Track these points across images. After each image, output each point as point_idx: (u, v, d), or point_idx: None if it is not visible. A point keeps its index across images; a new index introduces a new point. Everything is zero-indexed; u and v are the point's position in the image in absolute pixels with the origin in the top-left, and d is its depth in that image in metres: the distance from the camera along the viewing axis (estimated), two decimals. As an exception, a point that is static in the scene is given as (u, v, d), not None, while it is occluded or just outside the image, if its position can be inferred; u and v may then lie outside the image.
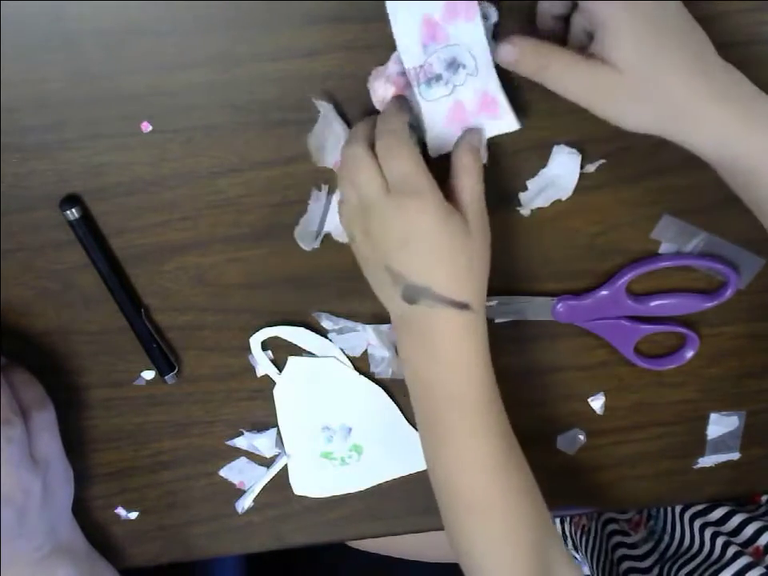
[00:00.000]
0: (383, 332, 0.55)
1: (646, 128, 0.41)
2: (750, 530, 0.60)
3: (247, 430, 0.59)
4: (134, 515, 0.61)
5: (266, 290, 0.54)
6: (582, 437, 0.61)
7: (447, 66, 0.44)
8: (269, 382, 0.57)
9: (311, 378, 0.57)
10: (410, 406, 0.58)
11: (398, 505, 0.63)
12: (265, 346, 0.56)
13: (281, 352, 0.56)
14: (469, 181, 0.45)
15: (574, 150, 0.50)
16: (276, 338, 0.56)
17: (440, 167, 0.46)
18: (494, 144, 0.49)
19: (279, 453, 0.60)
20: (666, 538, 0.69)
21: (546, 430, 0.60)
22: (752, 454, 0.62)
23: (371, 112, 0.47)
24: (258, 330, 0.55)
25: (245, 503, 0.61)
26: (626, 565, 0.68)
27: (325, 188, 0.50)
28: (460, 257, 0.44)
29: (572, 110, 0.47)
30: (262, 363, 0.56)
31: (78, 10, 0.45)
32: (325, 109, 0.47)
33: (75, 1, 0.45)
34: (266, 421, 0.59)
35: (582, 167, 0.51)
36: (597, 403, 0.60)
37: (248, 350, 0.56)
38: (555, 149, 0.50)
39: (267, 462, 0.60)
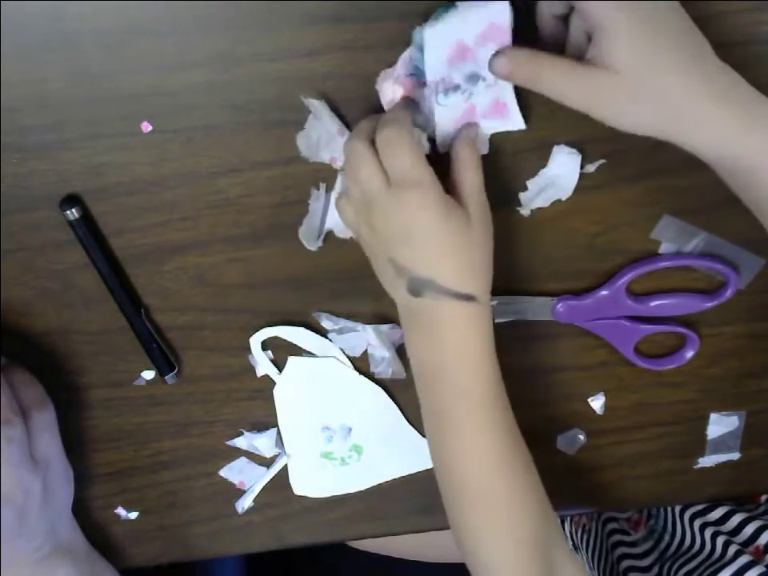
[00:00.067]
0: (383, 332, 0.55)
1: (645, 130, 0.41)
2: (750, 529, 0.60)
3: (247, 430, 0.59)
4: (134, 515, 0.61)
5: (265, 289, 0.54)
6: (581, 437, 0.61)
7: (467, 78, 0.45)
8: (269, 382, 0.57)
9: (311, 378, 0.57)
10: (410, 405, 0.59)
11: (398, 505, 0.63)
12: (265, 346, 0.56)
13: (281, 352, 0.56)
14: (468, 173, 0.45)
15: (574, 150, 0.50)
16: (276, 337, 0.56)
17: (441, 163, 0.46)
18: (495, 144, 0.49)
19: (279, 453, 0.60)
20: (667, 537, 0.69)
21: (546, 429, 0.60)
22: (752, 454, 0.62)
23: (371, 112, 0.47)
24: (258, 330, 0.55)
25: (245, 503, 0.61)
26: (625, 563, 0.69)
27: (323, 186, 0.50)
28: (463, 249, 0.44)
29: (572, 110, 0.47)
30: (262, 363, 0.56)
31: (78, 10, 0.45)
32: (316, 107, 0.47)
33: (75, 1, 0.45)
34: (266, 421, 0.59)
35: (582, 167, 0.51)
36: (597, 403, 0.60)
37: (248, 350, 0.56)
38: (555, 149, 0.50)
39: (267, 462, 0.60)
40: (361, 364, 0.57)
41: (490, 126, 0.47)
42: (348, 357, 0.57)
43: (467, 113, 0.46)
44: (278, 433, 0.59)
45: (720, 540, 0.60)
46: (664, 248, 0.54)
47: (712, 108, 0.40)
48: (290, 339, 0.56)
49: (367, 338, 0.55)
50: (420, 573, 0.88)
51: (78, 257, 0.51)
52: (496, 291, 0.52)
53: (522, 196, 0.52)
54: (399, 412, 0.59)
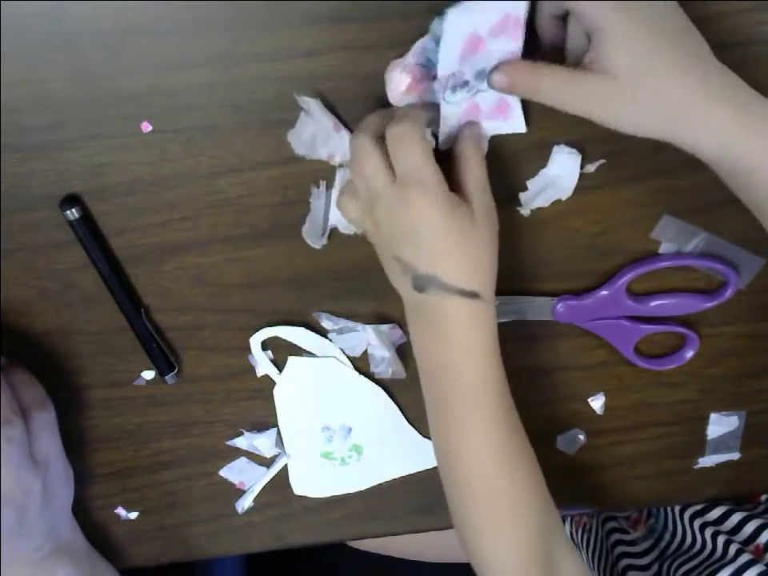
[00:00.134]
0: (383, 332, 0.55)
1: (645, 131, 0.41)
2: (750, 528, 0.60)
3: (247, 430, 0.59)
4: (133, 515, 0.61)
5: (265, 289, 0.54)
6: (582, 437, 0.61)
7: (476, 75, 0.45)
8: (269, 382, 0.57)
9: (311, 378, 0.57)
10: (410, 405, 0.59)
11: (398, 505, 0.63)
12: (265, 346, 0.56)
13: (281, 352, 0.56)
14: (473, 171, 0.45)
15: (574, 150, 0.50)
16: (276, 337, 0.56)
17: (443, 160, 0.45)
18: (495, 144, 0.49)
19: (279, 453, 0.60)
20: (667, 535, 0.69)
21: (546, 429, 0.60)
22: (752, 454, 0.62)
23: (372, 112, 0.47)
24: (258, 330, 0.55)
25: (245, 503, 0.61)
26: (624, 562, 0.69)
27: (323, 184, 0.50)
28: (468, 247, 0.44)
29: (572, 110, 0.47)
30: (262, 363, 0.56)
31: (78, 10, 0.45)
32: (308, 104, 0.47)
33: (75, 1, 0.45)
34: (266, 421, 0.59)
35: (582, 167, 0.51)
36: (597, 403, 0.60)
37: (248, 350, 0.56)
38: (555, 149, 0.50)
39: (267, 462, 0.60)
40: (361, 364, 0.57)
41: (492, 127, 0.47)
42: (348, 357, 0.57)
43: (471, 111, 0.46)
44: (278, 433, 0.59)
45: (720, 539, 0.60)
46: (664, 248, 0.54)
47: (711, 108, 0.40)
48: (290, 339, 0.56)
49: (367, 337, 0.55)
50: (420, 573, 0.88)
51: (78, 257, 0.51)
52: (496, 291, 0.52)
53: (522, 196, 0.52)
54: (399, 412, 0.59)
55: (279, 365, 0.57)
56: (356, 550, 0.88)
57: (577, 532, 0.78)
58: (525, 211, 0.52)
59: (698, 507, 0.65)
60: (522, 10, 0.42)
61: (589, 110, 0.41)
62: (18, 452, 0.49)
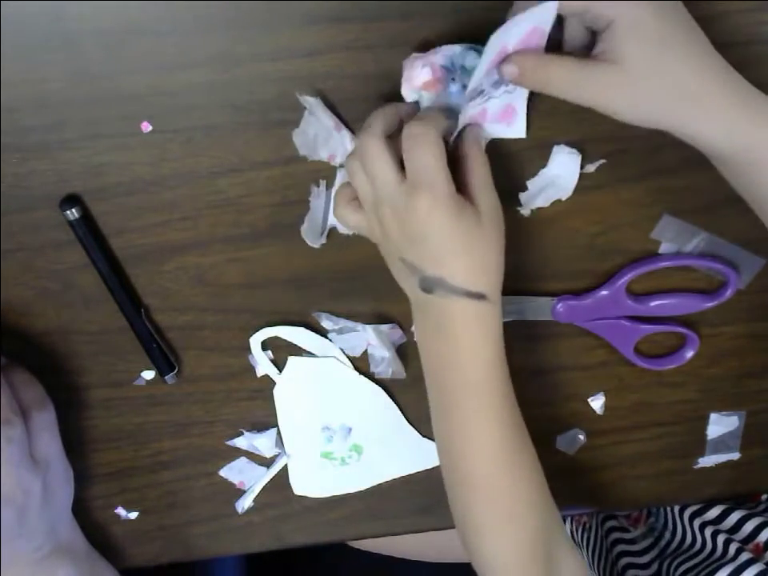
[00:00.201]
0: (383, 332, 0.55)
1: (658, 120, 0.42)
2: (749, 527, 0.60)
3: (247, 430, 0.59)
4: (134, 515, 0.61)
5: (265, 289, 0.54)
6: (582, 437, 0.61)
7: (493, 83, 0.44)
8: (269, 382, 0.57)
9: (311, 378, 0.57)
10: (410, 405, 0.59)
11: (398, 505, 0.63)
12: (265, 346, 0.56)
13: (281, 352, 0.56)
14: (478, 172, 0.45)
15: (574, 150, 0.50)
16: (276, 338, 0.56)
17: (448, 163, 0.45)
18: (495, 144, 0.49)
19: (279, 453, 0.60)
20: (667, 534, 0.69)
21: (546, 429, 0.60)
22: (752, 454, 0.62)
23: (372, 112, 0.47)
24: (258, 330, 0.55)
25: (245, 503, 0.61)
26: (624, 561, 0.69)
27: (323, 183, 0.50)
28: (474, 248, 0.44)
29: (572, 110, 0.47)
30: (262, 363, 0.56)
31: (78, 10, 0.45)
32: (311, 103, 0.47)
33: (75, 1, 0.45)
34: (266, 421, 0.59)
35: (582, 167, 0.51)
36: (597, 403, 0.60)
37: (248, 350, 0.56)
38: (555, 149, 0.50)
39: (267, 462, 0.60)
40: (361, 364, 0.57)
41: (495, 131, 0.47)
42: (348, 357, 0.57)
43: (479, 116, 0.46)
44: (278, 433, 0.59)
45: (720, 538, 0.60)
46: (664, 248, 0.54)
47: (721, 98, 0.40)
48: (289, 339, 0.56)
49: (367, 337, 0.55)
50: (420, 573, 0.88)
51: (78, 257, 0.51)
52: (496, 291, 0.52)
53: (522, 196, 0.52)
54: (399, 412, 0.59)
55: (279, 365, 0.57)
56: (356, 550, 0.88)
57: (577, 531, 0.78)
58: (525, 211, 0.52)
59: (696, 507, 0.65)
60: (550, 19, 0.41)
61: (601, 100, 0.41)
62: (18, 452, 0.49)
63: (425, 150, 0.42)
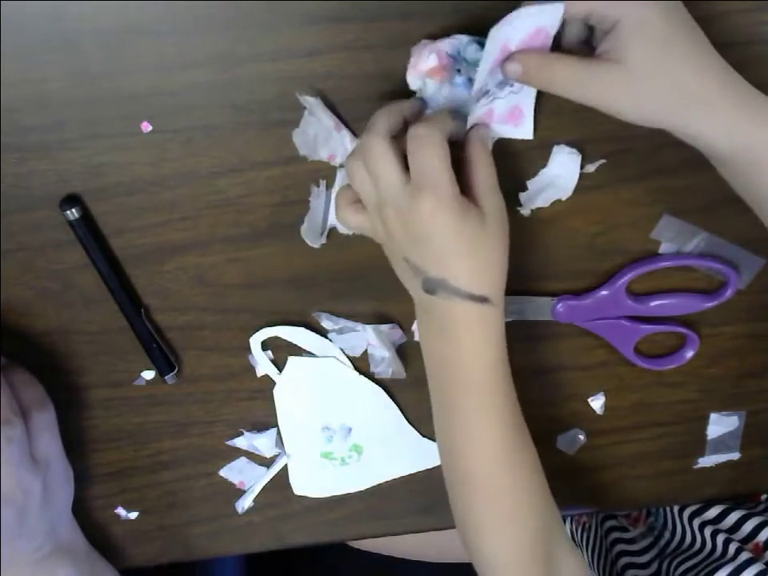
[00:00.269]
0: (383, 332, 0.55)
1: (661, 120, 0.42)
2: (749, 527, 0.60)
3: (247, 430, 0.59)
4: (134, 515, 0.61)
5: (265, 289, 0.54)
6: (582, 437, 0.61)
7: (498, 84, 0.44)
8: (269, 382, 0.57)
9: (311, 377, 0.57)
10: (410, 405, 0.59)
11: (398, 505, 0.63)
12: (265, 346, 0.56)
13: (281, 352, 0.56)
14: (483, 173, 0.45)
15: (574, 150, 0.50)
16: (276, 338, 0.56)
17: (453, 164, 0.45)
18: (495, 144, 0.49)
19: (279, 453, 0.60)
20: (667, 534, 0.69)
21: (546, 429, 0.60)
22: (752, 454, 0.62)
23: (372, 112, 0.47)
24: (258, 330, 0.55)
25: (245, 503, 0.61)
26: (624, 560, 0.69)
27: (323, 183, 0.50)
28: (478, 251, 0.44)
29: (572, 110, 0.48)
30: (262, 363, 0.56)
31: (78, 10, 0.45)
32: (311, 103, 0.47)
33: (75, 1, 0.45)
34: (266, 421, 0.59)
35: (582, 167, 0.51)
36: (597, 403, 0.60)
37: (248, 350, 0.56)
38: (555, 149, 0.50)
39: (267, 462, 0.60)
40: (361, 364, 0.57)
41: (501, 131, 0.47)
42: (348, 357, 0.57)
43: (485, 116, 0.46)
44: (278, 433, 0.59)
45: (720, 538, 0.60)
46: (664, 248, 0.54)
47: (722, 97, 0.40)
48: (290, 339, 0.56)
49: (367, 337, 0.55)
50: (420, 573, 0.88)
51: (78, 257, 0.51)
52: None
53: (522, 196, 0.52)
54: (399, 412, 0.59)
55: (279, 365, 0.57)
56: (356, 550, 0.88)
57: (577, 531, 0.78)
58: (525, 211, 0.52)
59: (695, 507, 0.65)
60: (555, 21, 0.41)
61: (604, 100, 0.41)
62: (18, 452, 0.49)
63: (429, 151, 0.42)
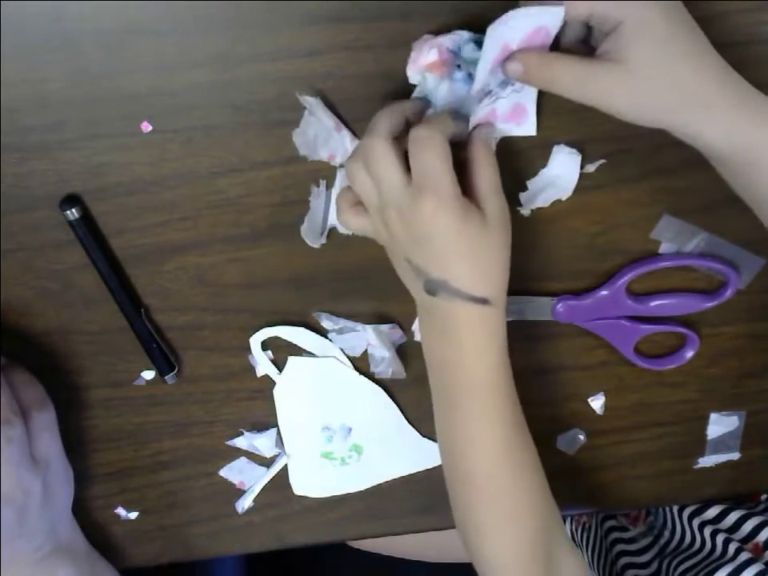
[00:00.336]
0: (383, 332, 0.55)
1: (661, 120, 0.42)
2: (749, 527, 0.60)
3: (247, 430, 0.59)
4: (134, 515, 0.61)
5: (266, 289, 0.54)
6: (582, 437, 0.61)
7: (500, 83, 0.44)
8: (269, 382, 0.57)
9: (311, 377, 0.57)
10: (410, 405, 0.59)
11: (398, 505, 0.63)
12: (265, 346, 0.56)
13: (281, 352, 0.56)
14: (485, 174, 0.45)
15: (574, 150, 0.50)
16: (276, 338, 0.56)
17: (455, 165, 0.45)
18: (496, 144, 0.49)
19: (279, 453, 0.60)
20: (666, 533, 0.69)
21: (546, 429, 0.60)
22: (752, 454, 0.62)
23: (373, 112, 0.47)
24: (258, 330, 0.55)
25: (245, 503, 0.61)
26: (623, 560, 0.69)
27: (323, 183, 0.50)
28: (479, 253, 0.44)
29: (572, 110, 0.48)
30: (262, 363, 0.56)
31: (78, 10, 0.45)
32: (311, 103, 0.47)
33: (75, 1, 0.45)
34: (266, 421, 0.59)
35: (582, 167, 0.51)
36: (597, 403, 0.60)
37: (248, 350, 0.56)
38: (555, 149, 0.50)
39: (267, 462, 0.60)
40: (361, 364, 0.57)
41: (505, 130, 0.47)
42: (348, 357, 0.57)
43: (488, 116, 0.46)
44: (278, 433, 0.59)
45: (720, 538, 0.60)
46: (664, 248, 0.54)
47: (720, 97, 0.40)
48: (290, 339, 0.56)
49: (367, 337, 0.55)
50: (420, 573, 0.88)
51: (78, 257, 0.51)
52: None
53: (522, 196, 0.52)
54: (399, 412, 0.59)
55: (279, 365, 0.57)
56: (356, 550, 0.88)
57: (576, 531, 0.78)
58: (525, 211, 0.52)
59: (694, 507, 0.65)
60: (557, 22, 0.41)
61: (605, 99, 0.41)
62: (18, 452, 0.49)
63: (431, 153, 0.42)
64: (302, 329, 0.55)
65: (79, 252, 0.51)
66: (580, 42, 0.45)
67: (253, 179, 0.50)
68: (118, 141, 0.48)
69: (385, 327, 0.55)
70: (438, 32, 0.45)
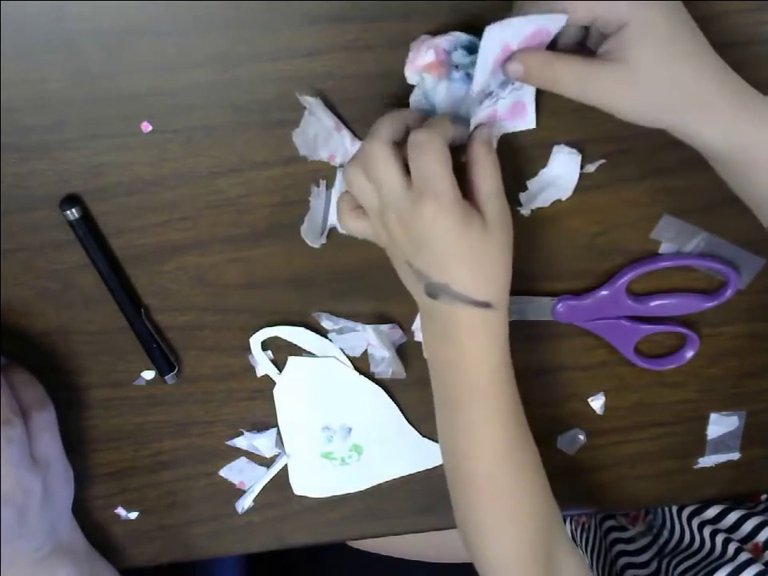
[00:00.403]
0: (383, 332, 0.55)
1: (661, 120, 0.42)
2: (748, 527, 0.60)
3: (247, 430, 0.59)
4: (133, 515, 0.61)
5: (266, 289, 0.54)
6: (581, 437, 0.61)
7: (500, 84, 0.44)
8: (269, 382, 0.57)
9: (311, 377, 0.57)
10: (410, 405, 0.59)
11: (398, 505, 0.63)
12: (265, 346, 0.56)
13: (281, 352, 0.56)
14: (486, 177, 0.44)
15: (574, 150, 0.50)
16: (276, 338, 0.56)
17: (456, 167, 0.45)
18: (497, 142, 0.49)
19: (279, 453, 0.60)
20: (665, 533, 0.69)
21: (546, 429, 0.60)
22: (752, 454, 0.62)
23: (372, 112, 0.47)
24: (258, 330, 0.55)
25: (245, 503, 0.61)
26: (623, 560, 0.69)
27: (323, 183, 0.50)
28: (480, 256, 0.44)
29: (572, 110, 0.48)
30: (262, 363, 0.56)
31: (78, 10, 0.45)
32: (311, 103, 0.47)
33: (75, 1, 0.45)
34: (266, 421, 0.59)
35: (582, 167, 0.51)
36: (597, 403, 0.60)
37: (248, 350, 0.56)
38: (555, 149, 0.50)
39: (267, 462, 0.60)
40: (361, 364, 0.57)
41: (505, 127, 0.47)
42: (348, 357, 0.57)
43: (489, 117, 0.46)
44: (278, 433, 0.59)
45: (719, 538, 0.60)
46: (664, 248, 0.54)
47: (719, 97, 0.41)
48: (290, 339, 0.56)
49: (367, 337, 0.55)
50: (420, 573, 0.88)
51: (78, 257, 0.51)
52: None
53: (522, 196, 0.52)
54: (399, 412, 0.59)
55: (279, 365, 0.57)
56: (356, 550, 0.88)
57: (576, 531, 0.78)
58: (525, 211, 0.52)
59: (693, 507, 0.65)
60: (558, 26, 0.41)
61: (606, 99, 0.41)
62: (18, 452, 0.49)
63: (430, 157, 0.42)
64: (301, 329, 0.55)
65: (79, 252, 0.51)
66: (577, 44, 0.45)
67: (253, 179, 0.50)
68: (117, 141, 0.48)
69: (385, 327, 0.55)
70: (437, 32, 0.45)
